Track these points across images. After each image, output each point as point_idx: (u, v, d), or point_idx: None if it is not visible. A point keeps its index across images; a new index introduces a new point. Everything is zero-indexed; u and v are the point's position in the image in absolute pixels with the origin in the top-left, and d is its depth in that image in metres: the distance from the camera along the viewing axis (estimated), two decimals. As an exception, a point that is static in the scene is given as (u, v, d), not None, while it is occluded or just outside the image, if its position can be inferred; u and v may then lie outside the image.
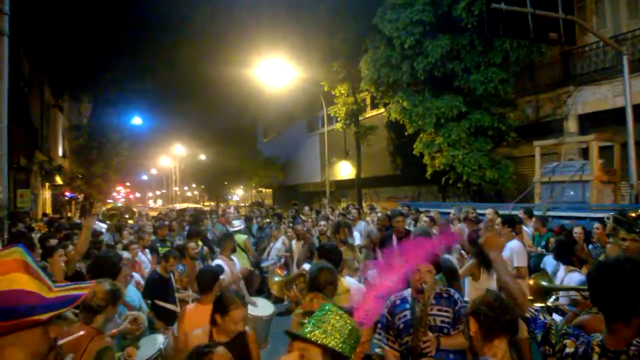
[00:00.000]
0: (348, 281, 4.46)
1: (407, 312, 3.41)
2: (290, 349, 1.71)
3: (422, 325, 3.26)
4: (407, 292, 3.54)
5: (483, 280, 5.34)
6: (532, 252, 7.12)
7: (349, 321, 1.72)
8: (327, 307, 1.76)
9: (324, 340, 1.64)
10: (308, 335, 1.65)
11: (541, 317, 2.27)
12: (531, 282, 3.40)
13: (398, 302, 3.50)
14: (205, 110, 33.61)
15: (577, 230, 6.75)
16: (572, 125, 13.15)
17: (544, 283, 3.36)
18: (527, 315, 2.29)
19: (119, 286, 3.51)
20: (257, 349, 3.34)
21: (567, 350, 2.00)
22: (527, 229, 7.89)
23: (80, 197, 28.47)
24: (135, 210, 18.27)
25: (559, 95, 13.44)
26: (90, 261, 4.72)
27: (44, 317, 1.18)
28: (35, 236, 7.95)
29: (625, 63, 9.97)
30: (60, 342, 2.71)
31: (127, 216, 12.68)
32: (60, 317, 1.30)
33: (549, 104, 13.80)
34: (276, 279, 5.66)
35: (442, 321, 3.33)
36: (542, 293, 3.44)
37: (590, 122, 12.76)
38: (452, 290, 3.57)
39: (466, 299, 5.16)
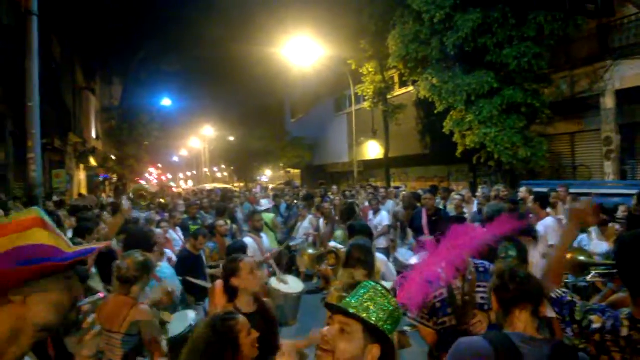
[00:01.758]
0: (379, 257, 4.45)
1: (444, 290, 3.32)
2: (331, 322, 1.68)
3: (470, 306, 3.19)
4: (446, 292, 3.45)
5: (532, 256, 5.25)
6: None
7: (392, 301, 1.70)
8: (370, 284, 1.74)
9: (366, 316, 1.61)
10: (351, 310, 1.63)
11: (568, 297, 2.26)
12: (568, 256, 3.30)
13: (438, 304, 3.34)
14: (233, 91, 33.83)
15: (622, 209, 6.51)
16: (609, 101, 12.67)
17: (581, 258, 3.29)
18: (553, 295, 2.27)
19: (149, 256, 3.61)
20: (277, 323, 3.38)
21: (594, 326, 1.95)
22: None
23: (114, 177, 29.17)
24: (168, 188, 18.56)
25: (596, 70, 12.94)
26: (125, 235, 4.85)
27: (66, 262, 1.21)
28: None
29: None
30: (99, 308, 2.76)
31: (160, 197, 12.93)
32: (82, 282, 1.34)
33: (585, 80, 13.31)
34: (310, 251, 5.71)
35: (482, 297, 3.23)
36: (580, 268, 3.37)
37: (628, 98, 12.27)
38: (487, 263, 3.44)
39: None
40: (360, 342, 1.61)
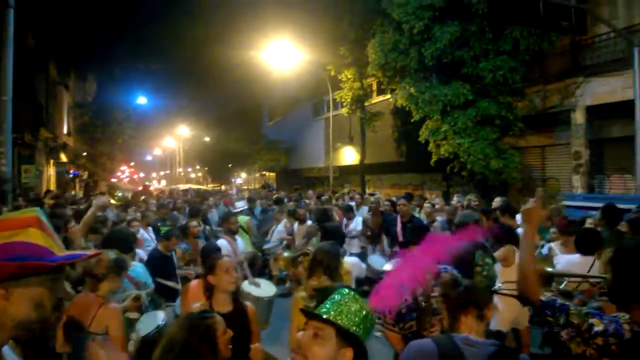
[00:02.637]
0: (349, 261, 4.48)
1: (414, 323, 3.39)
2: (305, 327, 1.72)
3: (427, 314, 3.25)
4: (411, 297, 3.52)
5: (514, 269, 5.34)
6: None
7: (364, 306, 1.75)
8: (345, 291, 1.79)
9: (340, 320, 1.65)
10: (324, 315, 1.67)
11: (560, 299, 2.27)
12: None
13: (404, 310, 3.43)
14: (211, 92, 33.59)
15: (590, 222, 6.69)
16: (579, 116, 13.04)
17: (548, 269, 3.34)
18: (543, 299, 2.27)
19: (125, 258, 3.56)
20: (257, 323, 3.36)
21: (596, 328, 1.99)
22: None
23: (85, 175, 28.56)
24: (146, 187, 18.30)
25: (567, 85, 13.31)
26: (104, 236, 4.78)
27: (53, 264, 1.22)
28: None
29: (636, 55, 9.84)
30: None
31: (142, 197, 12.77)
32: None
33: (556, 95, 13.67)
34: (285, 254, 5.71)
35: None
36: (546, 279, 3.43)
37: (598, 114, 12.65)
38: (449, 268, 3.57)
39: (499, 285, 5.24)
40: (333, 346, 1.65)
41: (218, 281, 3.15)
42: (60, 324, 3.27)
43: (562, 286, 3.35)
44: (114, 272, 3.33)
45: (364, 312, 1.71)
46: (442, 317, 3.27)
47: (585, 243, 4.91)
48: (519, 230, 6.01)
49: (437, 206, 9.58)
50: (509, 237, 5.51)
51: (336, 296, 1.75)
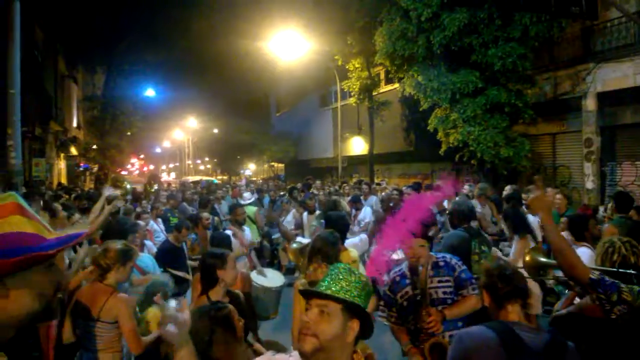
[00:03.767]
0: (351, 242, 4.51)
1: (409, 289, 3.36)
2: (308, 306, 1.75)
3: (423, 306, 3.19)
4: (405, 267, 3.46)
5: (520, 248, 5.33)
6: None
7: (361, 277, 1.80)
8: (339, 265, 1.84)
9: (341, 294, 1.70)
10: (327, 291, 1.71)
11: (607, 278, 2.30)
12: (527, 257, 3.30)
13: (398, 278, 3.43)
14: (218, 84, 33.51)
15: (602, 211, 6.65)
16: (590, 103, 12.87)
17: (541, 259, 3.25)
18: (593, 277, 2.30)
19: (132, 247, 3.58)
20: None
21: None
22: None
23: (95, 167, 28.74)
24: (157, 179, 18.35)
25: (578, 72, 13.13)
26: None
27: (50, 252, 1.19)
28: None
29: (649, 39, 9.68)
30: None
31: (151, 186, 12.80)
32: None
33: (567, 81, 13.50)
34: (294, 245, 5.73)
35: (444, 292, 3.28)
36: (538, 269, 3.35)
37: (609, 100, 12.47)
38: (448, 256, 3.51)
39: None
40: (340, 320, 1.68)
41: (226, 275, 3.16)
42: (68, 313, 3.31)
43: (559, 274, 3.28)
44: (120, 262, 3.36)
45: (362, 282, 1.77)
46: (449, 307, 3.26)
47: (575, 227, 4.90)
48: (530, 217, 5.98)
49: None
50: (524, 225, 5.50)
51: (333, 271, 1.80)
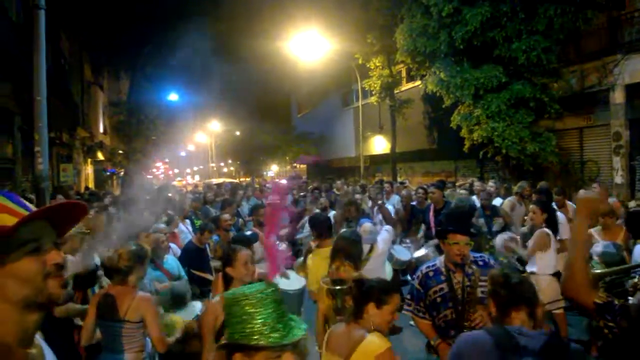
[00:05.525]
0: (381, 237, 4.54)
1: (444, 285, 3.31)
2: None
3: (473, 302, 3.18)
4: (439, 262, 3.43)
5: (552, 251, 5.25)
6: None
7: (271, 303, 1.65)
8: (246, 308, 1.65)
9: (270, 341, 1.58)
10: (260, 343, 1.59)
11: (616, 301, 2.02)
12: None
13: (431, 273, 3.39)
14: (240, 86, 33.80)
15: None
16: (618, 95, 12.52)
17: (596, 271, 3.06)
18: (598, 301, 2.01)
19: (144, 246, 3.63)
20: None
21: None
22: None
23: (121, 172, 29.31)
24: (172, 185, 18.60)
25: (605, 64, 12.78)
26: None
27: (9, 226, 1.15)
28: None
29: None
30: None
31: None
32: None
33: (594, 74, 13.16)
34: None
35: (482, 292, 3.17)
36: (595, 281, 3.16)
37: (638, 92, 12.11)
38: (486, 256, 3.48)
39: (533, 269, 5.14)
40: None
41: (236, 273, 3.16)
42: (92, 316, 3.35)
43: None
44: (137, 262, 3.42)
45: (276, 313, 1.63)
46: (488, 306, 3.20)
47: (635, 224, 4.67)
48: (559, 214, 5.82)
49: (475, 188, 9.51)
50: (548, 222, 5.40)
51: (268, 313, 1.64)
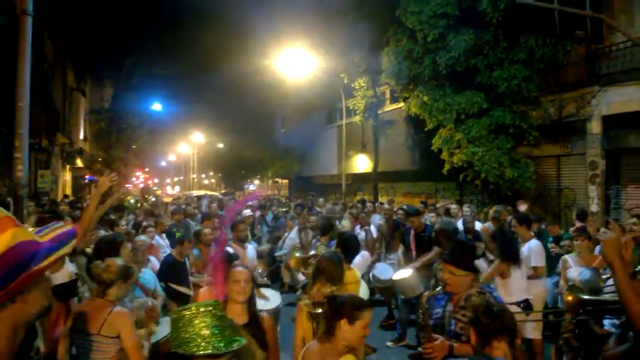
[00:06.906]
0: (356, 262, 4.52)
1: (439, 310, 3.35)
2: None
3: (426, 329, 3.12)
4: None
5: (515, 278, 5.25)
6: (553, 252, 7.07)
7: (212, 318, 1.74)
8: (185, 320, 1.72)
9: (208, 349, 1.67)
10: (200, 352, 1.66)
11: None
12: (570, 297, 3.23)
13: (439, 296, 3.41)
14: (225, 99, 33.82)
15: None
16: (595, 126, 12.87)
17: (585, 297, 3.13)
18: None
19: (131, 265, 3.60)
20: (275, 335, 3.31)
21: None
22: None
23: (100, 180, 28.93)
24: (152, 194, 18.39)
25: (583, 95, 13.16)
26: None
27: (46, 263, 1.25)
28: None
29: (654, 64, 9.71)
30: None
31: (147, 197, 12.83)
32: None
33: (572, 104, 13.52)
34: (297, 254, 5.72)
35: (461, 327, 3.12)
36: (580, 307, 3.21)
37: (614, 123, 12.48)
38: (487, 292, 3.30)
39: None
40: None
41: (228, 291, 3.13)
42: (67, 329, 3.30)
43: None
44: (121, 279, 3.36)
45: (214, 326, 1.71)
46: (463, 343, 3.19)
47: None
48: (532, 242, 5.91)
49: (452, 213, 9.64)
50: (511, 252, 5.39)
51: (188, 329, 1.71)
